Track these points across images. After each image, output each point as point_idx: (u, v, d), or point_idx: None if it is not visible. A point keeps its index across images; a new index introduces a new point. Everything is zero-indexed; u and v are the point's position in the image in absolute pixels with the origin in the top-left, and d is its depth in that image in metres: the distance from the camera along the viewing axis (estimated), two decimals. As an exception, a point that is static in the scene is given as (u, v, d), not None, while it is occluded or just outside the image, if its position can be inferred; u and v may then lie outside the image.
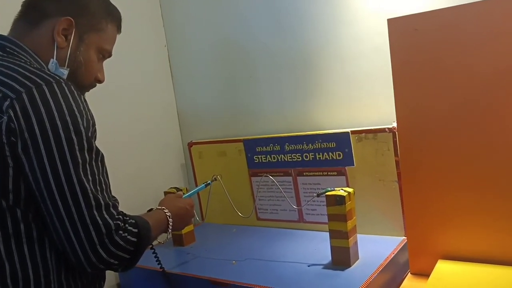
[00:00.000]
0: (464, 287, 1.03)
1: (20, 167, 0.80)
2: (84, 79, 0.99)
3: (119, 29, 1.06)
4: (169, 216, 1.07)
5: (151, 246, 1.17)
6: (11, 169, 0.80)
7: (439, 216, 1.17)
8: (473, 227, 1.13)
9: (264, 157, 1.64)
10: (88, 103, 0.91)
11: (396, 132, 1.30)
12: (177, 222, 1.10)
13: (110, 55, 1.04)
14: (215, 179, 1.46)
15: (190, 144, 1.86)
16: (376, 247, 1.34)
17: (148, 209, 1.16)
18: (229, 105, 1.79)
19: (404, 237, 1.38)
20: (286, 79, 1.63)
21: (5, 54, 0.89)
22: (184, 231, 1.59)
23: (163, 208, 1.08)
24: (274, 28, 1.61)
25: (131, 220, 0.89)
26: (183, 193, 1.33)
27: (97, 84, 1.04)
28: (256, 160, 1.67)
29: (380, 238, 1.42)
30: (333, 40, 1.50)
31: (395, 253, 1.29)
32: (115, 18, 1.03)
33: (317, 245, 1.43)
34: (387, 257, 1.27)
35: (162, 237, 1.10)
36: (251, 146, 1.67)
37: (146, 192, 1.77)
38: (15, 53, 0.90)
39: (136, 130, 1.77)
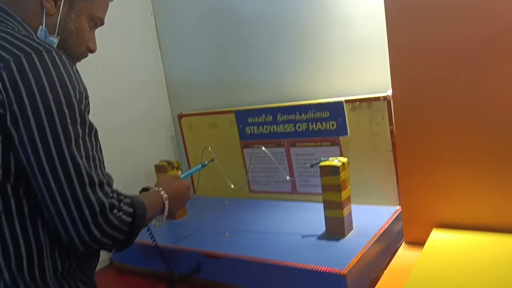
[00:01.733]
0: (459, 255, 1.02)
1: (10, 141, 0.76)
2: (76, 48, 0.94)
3: None
4: (166, 198, 1.04)
5: (153, 240, 1.15)
6: (0, 143, 0.76)
7: (434, 184, 1.16)
8: (468, 194, 1.12)
9: (256, 128, 1.61)
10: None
11: (391, 101, 1.27)
12: (173, 204, 1.07)
13: (102, 23, 0.98)
14: (213, 160, 1.41)
15: (180, 116, 1.82)
16: (370, 217, 1.33)
17: (143, 186, 1.13)
18: (219, 75, 1.74)
19: (398, 207, 1.37)
20: (278, 47, 1.58)
21: None
22: (176, 204, 1.57)
23: (160, 190, 1.05)
24: (264, -6, 1.56)
25: (126, 199, 0.85)
26: (180, 173, 1.29)
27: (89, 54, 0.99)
28: (248, 131, 1.63)
29: (374, 208, 1.41)
30: (326, 6, 1.44)
31: (389, 223, 1.29)
32: None
33: (311, 216, 1.41)
34: (382, 227, 1.26)
35: (159, 220, 1.07)
36: (242, 117, 1.63)
37: (137, 165, 1.74)
38: (1, 19, 0.84)
39: (124, 102, 1.72)
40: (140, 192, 1.10)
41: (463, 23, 1.03)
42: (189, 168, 1.86)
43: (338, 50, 1.45)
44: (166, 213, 1.04)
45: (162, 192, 1.04)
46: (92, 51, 0.99)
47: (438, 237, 1.12)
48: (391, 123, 1.34)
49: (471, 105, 1.06)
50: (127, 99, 1.73)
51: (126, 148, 1.71)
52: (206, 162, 1.38)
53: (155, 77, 1.88)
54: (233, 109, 1.65)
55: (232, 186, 1.43)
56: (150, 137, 1.83)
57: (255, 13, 1.59)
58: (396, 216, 1.33)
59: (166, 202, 1.04)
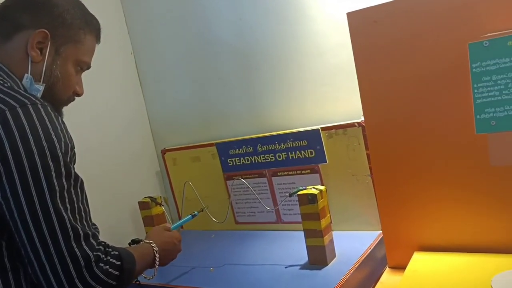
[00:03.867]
0: (439, 278, 1.02)
1: None
2: (62, 93, 0.93)
3: (98, 39, 0.99)
4: (156, 251, 1.01)
5: (136, 280, 1.12)
6: None
7: (413, 207, 1.16)
8: (447, 216, 1.13)
9: (238, 159, 1.62)
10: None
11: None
12: (164, 257, 1.05)
13: (89, 67, 0.98)
14: (202, 210, 1.42)
15: (164, 151, 1.83)
16: (353, 243, 1.33)
17: (132, 239, 1.12)
18: (199, 109, 1.77)
19: (381, 231, 1.37)
20: (254, 78, 1.61)
21: None
22: (161, 240, 1.57)
23: (151, 242, 1.02)
24: (237, 28, 1.59)
25: (114, 252, 0.83)
26: (170, 225, 1.27)
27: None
28: (230, 163, 1.64)
29: (357, 234, 1.41)
30: (297, 36, 1.48)
31: (371, 248, 1.28)
32: (93, 28, 0.97)
33: (295, 245, 1.41)
34: (364, 253, 1.26)
35: (150, 273, 1.06)
36: (224, 149, 1.64)
37: (122, 202, 1.74)
38: None
39: (108, 140, 1.73)
40: (129, 244, 1.09)
41: (428, 48, 1.05)
42: (175, 203, 1.86)
43: (311, 80, 1.48)
44: (157, 266, 1.01)
45: (153, 245, 1.01)
46: (78, 95, 0.98)
47: (419, 260, 1.12)
48: (367, 148, 1.35)
49: (443, 126, 1.08)
50: (111, 138, 1.75)
51: (112, 185, 1.71)
52: (195, 212, 1.39)
53: (138, 114, 1.90)
54: (214, 141, 1.67)
55: (214, 220, 1.43)
56: (136, 173, 1.84)
57: (229, 47, 1.63)
58: (379, 241, 1.32)
59: (157, 256, 1.00)
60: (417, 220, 1.17)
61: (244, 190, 1.63)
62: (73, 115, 1.51)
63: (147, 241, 1.03)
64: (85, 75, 1.03)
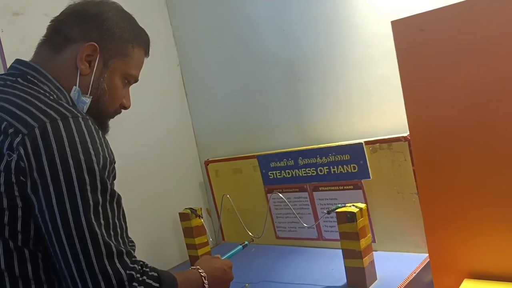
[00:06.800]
0: (490, 310, 0.93)
1: (30, 208, 0.75)
2: (108, 106, 0.94)
3: (146, 53, 1.00)
4: (205, 277, 0.96)
5: None
6: (20, 210, 0.75)
7: (464, 230, 1.07)
8: (502, 241, 1.03)
9: (278, 172, 1.58)
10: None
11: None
12: (214, 283, 0.98)
13: (136, 80, 0.98)
14: (252, 240, 1.41)
15: (207, 162, 1.83)
16: (396, 265, 1.25)
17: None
18: (242, 120, 1.75)
19: (428, 254, 1.27)
20: (297, 90, 1.57)
21: (25, 83, 0.85)
22: (200, 252, 1.56)
23: (198, 268, 0.98)
24: (282, 39, 1.57)
25: (152, 273, 0.80)
26: (220, 255, 1.23)
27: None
28: (271, 176, 1.61)
29: (402, 256, 1.32)
30: (342, 47, 1.43)
31: (417, 272, 1.19)
32: (142, 41, 0.97)
33: (335, 264, 1.34)
34: (408, 277, 1.17)
35: None
36: (265, 162, 1.61)
37: (165, 211, 1.75)
38: (36, 81, 0.86)
39: (153, 150, 1.76)
40: None
41: (478, 59, 0.98)
42: (217, 213, 1.85)
43: (356, 91, 1.42)
44: None
45: (200, 271, 0.97)
46: (125, 108, 0.98)
47: (469, 289, 1.03)
48: (414, 164, 1.27)
49: (497, 141, 0.99)
50: (157, 148, 1.77)
51: (157, 196, 1.73)
52: (246, 242, 1.37)
53: (183, 125, 1.91)
54: (256, 154, 1.64)
55: (250, 234, 1.40)
56: (180, 184, 1.85)
57: (273, 58, 1.60)
58: (426, 264, 1.23)
59: (206, 282, 0.96)
60: (469, 244, 1.07)
61: (285, 204, 1.59)
62: (118, 125, 1.56)
63: (194, 267, 0.99)
64: (132, 86, 1.03)
